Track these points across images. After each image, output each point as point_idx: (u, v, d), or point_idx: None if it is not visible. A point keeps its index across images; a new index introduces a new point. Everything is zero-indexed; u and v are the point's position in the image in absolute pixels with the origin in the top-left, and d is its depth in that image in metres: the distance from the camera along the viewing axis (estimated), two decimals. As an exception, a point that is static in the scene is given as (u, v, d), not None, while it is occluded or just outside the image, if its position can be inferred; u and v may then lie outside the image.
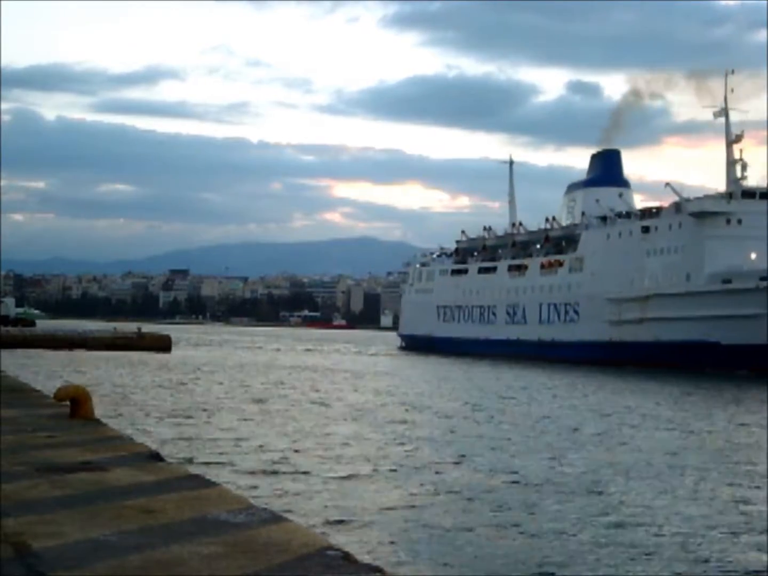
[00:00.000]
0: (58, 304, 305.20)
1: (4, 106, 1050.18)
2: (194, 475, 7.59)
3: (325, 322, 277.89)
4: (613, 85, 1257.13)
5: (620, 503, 16.62)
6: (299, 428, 26.32)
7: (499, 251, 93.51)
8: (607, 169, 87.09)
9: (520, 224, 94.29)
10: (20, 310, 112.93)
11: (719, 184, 70.51)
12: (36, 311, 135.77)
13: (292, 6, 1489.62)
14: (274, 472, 18.66)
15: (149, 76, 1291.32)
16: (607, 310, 72.62)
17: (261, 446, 22.34)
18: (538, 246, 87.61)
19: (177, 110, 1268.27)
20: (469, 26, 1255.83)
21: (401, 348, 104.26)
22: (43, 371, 44.93)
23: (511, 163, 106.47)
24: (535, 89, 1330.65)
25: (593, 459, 21.97)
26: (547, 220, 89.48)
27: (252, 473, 18.42)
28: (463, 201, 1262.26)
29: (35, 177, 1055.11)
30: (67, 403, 11.60)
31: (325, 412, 31.46)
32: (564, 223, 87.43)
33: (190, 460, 18.86)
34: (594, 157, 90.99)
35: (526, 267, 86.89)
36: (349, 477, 18.46)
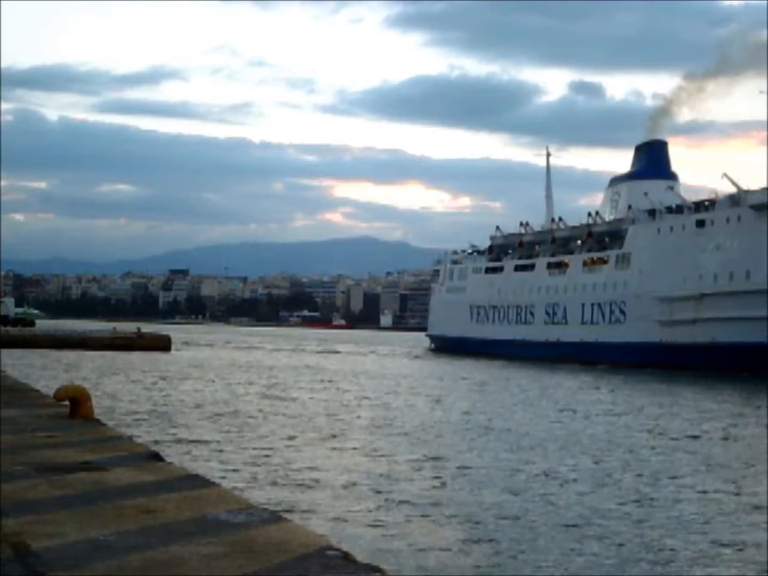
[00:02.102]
0: (57, 304, 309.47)
1: (7, 106, 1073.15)
2: (194, 475, 7.94)
3: (324, 322, 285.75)
4: (616, 86, 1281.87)
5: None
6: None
7: (537, 248, 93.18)
8: (653, 161, 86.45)
9: (560, 219, 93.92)
10: (20, 310, 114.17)
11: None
12: (35, 311, 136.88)
13: (296, 6, 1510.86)
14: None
15: (152, 77, 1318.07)
16: (657, 310, 72.19)
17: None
18: (580, 242, 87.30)
19: (179, 110, 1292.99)
20: (473, 26, 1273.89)
21: (431, 350, 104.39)
22: (43, 371, 45.75)
23: (548, 155, 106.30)
24: (537, 89, 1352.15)
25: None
26: (589, 214, 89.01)
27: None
28: (464, 201, 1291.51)
29: (37, 177, 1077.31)
30: (67, 403, 12.09)
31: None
32: (607, 218, 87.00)
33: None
34: (638, 148, 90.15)
35: (566, 264, 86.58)
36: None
